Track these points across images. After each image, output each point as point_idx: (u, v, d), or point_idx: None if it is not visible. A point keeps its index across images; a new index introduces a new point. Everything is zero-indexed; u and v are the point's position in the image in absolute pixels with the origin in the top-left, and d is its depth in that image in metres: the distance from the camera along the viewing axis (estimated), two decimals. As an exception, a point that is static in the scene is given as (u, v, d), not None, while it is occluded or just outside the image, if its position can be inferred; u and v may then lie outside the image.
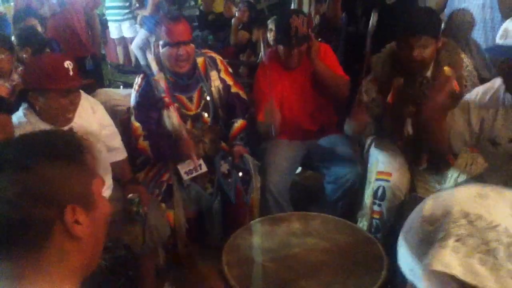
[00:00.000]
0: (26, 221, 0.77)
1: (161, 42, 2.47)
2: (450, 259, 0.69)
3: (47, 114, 1.99)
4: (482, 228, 0.70)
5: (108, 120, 2.34)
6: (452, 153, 2.11)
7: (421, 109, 1.99)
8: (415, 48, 2.13)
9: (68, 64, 1.94)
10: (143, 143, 2.49)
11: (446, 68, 1.97)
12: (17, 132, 1.89)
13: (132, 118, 2.51)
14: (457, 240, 0.70)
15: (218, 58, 2.68)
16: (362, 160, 2.67)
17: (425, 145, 2.24)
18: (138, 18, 5.90)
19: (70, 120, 2.04)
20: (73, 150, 0.85)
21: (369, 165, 2.51)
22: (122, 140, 2.45)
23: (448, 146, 2.00)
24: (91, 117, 2.20)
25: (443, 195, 0.78)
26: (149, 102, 2.49)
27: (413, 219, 0.80)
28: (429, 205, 0.78)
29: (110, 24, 6.38)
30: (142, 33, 5.43)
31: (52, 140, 0.85)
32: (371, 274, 1.75)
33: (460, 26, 3.11)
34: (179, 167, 2.50)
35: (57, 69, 1.92)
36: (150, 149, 2.49)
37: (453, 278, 0.68)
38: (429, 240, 0.73)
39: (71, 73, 1.95)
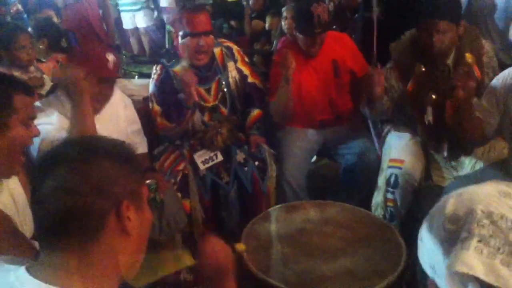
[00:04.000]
0: (84, 210, 0.81)
1: (180, 33, 2.46)
2: (472, 260, 0.69)
3: None
4: (505, 229, 0.69)
5: (135, 117, 2.37)
6: (487, 142, 2.08)
7: (442, 96, 1.98)
8: (434, 34, 2.10)
9: (109, 55, 2.02)
10: (162, 119, 2.50)
11: (467, 55, 1.94)
12: (42, 116, 1.92)
13: (153, 104, 2.52)
14: (479, 241, 0.70)
15: (234, 48, 2.67)
16: (378, 149, 2.65)
17: (445, 133, 2.22)
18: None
19: (97, 110, 2.07)
20: (130, 155, 0.91)
21: (383, 153, 2.49)
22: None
23: (482, 135, 1.99)
24: (122, 111, 2.24)
25: (465, 193, 0.77)
26: (168, 91, 2.50)
27: (434, 217, 0.78)
28: (451, 204, 0.76)
29: (123, 14, 6.38)
30: None
31: (113, 143, 0.91)
32: (391, 261, 1.75)
33: (481, 10, 3.04)
34: (195, 156, 2.52)
35: (99, 56, 2.01)
36: (169, 122, 2.49)
37: (475, 279, 0.68)
38: (451, 239, 0.73)
39: (110, 64, 2.02)
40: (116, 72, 2.13)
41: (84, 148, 0.86)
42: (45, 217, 0.82)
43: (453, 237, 0.72)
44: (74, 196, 0.80)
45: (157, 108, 2.51)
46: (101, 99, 2.08)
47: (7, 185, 1.52)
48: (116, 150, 0.89)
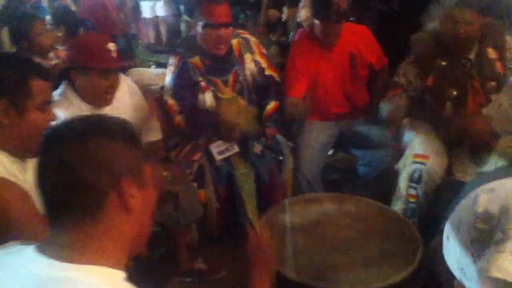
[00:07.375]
0: (85, 186, 0.81)
1: (200, 23, 2.43)
2: (509, 264, 0.64)
3: (86, 94, 2.00)
4: None
5: (143, 104, 2.36)
6: (495, 137, 2.05)
7: (463, 92, 1.95)
8: (461, 24, 2.06)
9: (111, 45, 1.99)
10: (179, 118, 2.49)
11: (489, 50, 1.91)
12: (55, 109, 1.91)
13: (167, 97, 2.50)
14: None
15: (252, 39, 2.65)
16: (396, 142, 2.63)
17: (465, 129, 2.19)
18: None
19: (108, 101, 2.05)
20: (131, 133, 0.90)
21: (404, 146, 2.46)
22: (155, 119, 2.46)
23: (490, 133, 1.97)
24: (128, 99, 2.23)
25: (498, 189, 0.71)
26: (185, 84, 2.49)
27: (463, 215, 0.73)
28: (483, 201, 0.70)
29: (143, 3, 6.36)
30: None
31: (114, 121, 0.91)
32: (406, 255, 1.74)
33: (504, 5, 2.99)
34: (211, 146, 2.51)
35: (100, 48, 1.97)
36: (186, 123, 2.49)
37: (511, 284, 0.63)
38: (483, 240, 0.68)
39: (113, 54, 1.99)
40: (120, 61, 2.08)
41: (85, 126, 0.86)
42: (47, 193, 0.83)
43: (485, 238, 0.67)
44: (74, 173, 0.80)
45: (172, 102, 2.48)
46: (112, 91, 2.05)
47: (32, 165, 1.48)
48: (117, 128, 0.89)
